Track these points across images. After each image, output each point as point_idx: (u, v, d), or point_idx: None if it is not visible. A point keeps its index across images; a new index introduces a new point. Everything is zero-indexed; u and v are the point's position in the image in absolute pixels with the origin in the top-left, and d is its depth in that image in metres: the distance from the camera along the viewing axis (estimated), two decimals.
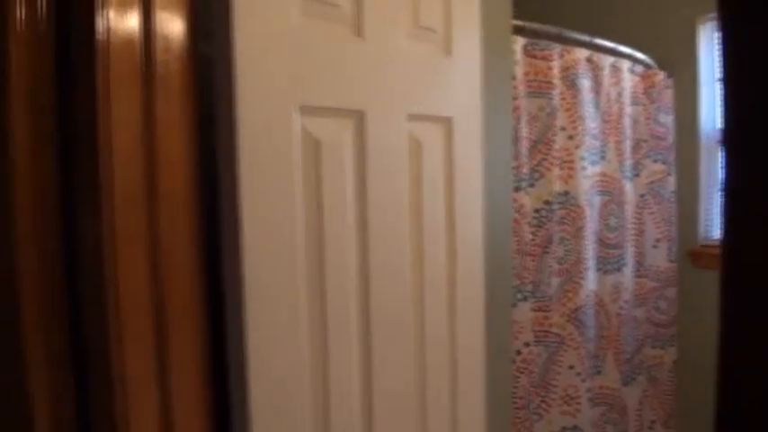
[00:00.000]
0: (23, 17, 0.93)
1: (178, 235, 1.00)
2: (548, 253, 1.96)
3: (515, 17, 1.66)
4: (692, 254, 2.50)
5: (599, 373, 2.21)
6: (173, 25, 0.97)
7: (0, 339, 0.99)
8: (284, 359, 1.06)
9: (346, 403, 1.16)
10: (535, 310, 1.95)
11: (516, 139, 1.83)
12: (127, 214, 0.94)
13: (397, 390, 1.25)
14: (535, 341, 1.96)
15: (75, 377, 1.00)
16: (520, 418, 1.93)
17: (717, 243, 2.46)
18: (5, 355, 0.99)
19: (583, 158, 2.04)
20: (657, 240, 2.42)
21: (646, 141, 2.37)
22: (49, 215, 0.96)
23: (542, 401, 2.04)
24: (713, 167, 2.49)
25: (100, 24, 0.90)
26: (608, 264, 2.21)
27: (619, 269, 2.24)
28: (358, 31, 1.15)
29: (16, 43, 0.92)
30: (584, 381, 2.11)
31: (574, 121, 2.01)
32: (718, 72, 2.40)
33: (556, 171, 1.97)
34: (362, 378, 1.19)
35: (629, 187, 2.28)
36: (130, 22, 0.93)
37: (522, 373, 1.91)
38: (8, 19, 0.92)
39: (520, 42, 1.86)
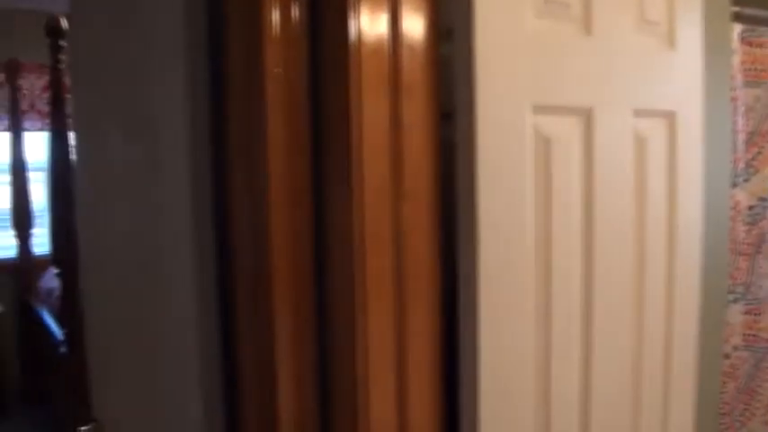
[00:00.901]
0: (278, 20, 0.99)
1: (419, 228, 1.05)
2: (760, 253, 1.84)
3: (732, 3, 1.58)
4: None
5: None
6: (417, 31, 1.01)
7: (255, 320, 1.09)
8: (511, 352, 1.09)
9: (565, 396, 1.18)
10: (745, 313, 1.84)
11: (732, 132, 1.74)
12: (375, 207, 1.00)
13: (613, 386, 1.25)
14: (743, 345, 1.86)
15: (317, 363, 1.08)
16: (724, 423, 1.84)
17: None
18: (257, 335, 1.09)
19: None
20: None
21: None
22: (301, 210, 1.05)
23: (746, 409, 1.93)
24: None
25: (353, 30, 0.96)
26: None
27: None
28: (587, 28, 1.15)
29: (271, 45, 0.99)
30: None
31: None
32: None
33: None
34: (581, 377, 1.19)
35: None
36: (379, 28, 0.99)
37: (729, 377, 1.82)
38: (263, 22, 0.98)
39: (736, 29, 1.75)
